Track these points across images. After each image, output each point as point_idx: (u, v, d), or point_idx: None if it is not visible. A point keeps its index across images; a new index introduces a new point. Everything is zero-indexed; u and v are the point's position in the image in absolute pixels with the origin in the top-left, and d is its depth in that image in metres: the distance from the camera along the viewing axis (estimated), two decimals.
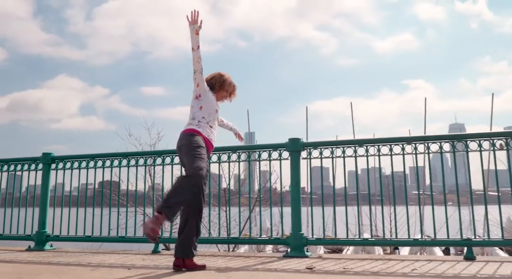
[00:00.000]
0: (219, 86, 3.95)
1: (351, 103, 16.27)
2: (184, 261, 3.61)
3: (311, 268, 3.66)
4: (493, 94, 15.13)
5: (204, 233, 5.17)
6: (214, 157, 4.95)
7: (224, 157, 4.97)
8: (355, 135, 15.29)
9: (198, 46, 3.70)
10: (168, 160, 5.13)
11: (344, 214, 4.57)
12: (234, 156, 4.95)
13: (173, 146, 3.98)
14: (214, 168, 5.65)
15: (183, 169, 3.88)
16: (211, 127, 3.83)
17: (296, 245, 4.40)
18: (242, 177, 6.14)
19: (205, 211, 5.43)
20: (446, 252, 12.78)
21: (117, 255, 4.81)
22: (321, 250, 9.98)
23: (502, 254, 11.81)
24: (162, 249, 5.25)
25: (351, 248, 11.59)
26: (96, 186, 5.49)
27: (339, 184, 4.80)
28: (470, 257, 3.99)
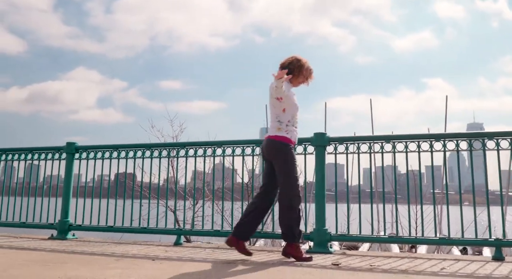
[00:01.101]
0: (298, 71, 3.92)
1: (370, 100, 16.00)
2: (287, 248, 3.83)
3: (337, 264, 3.61)
4: None
5: (225, 226, 5.16)
6: (238, 150, 4.92)
7: (242, 151, 4.93)
8: (374, 133, 15.11)
9: (281, 87, 3.63)
10: (191, 152, 5.11)
11: (368, 211, 4.51)
12: (248, 150, 4.91)
13: (194, 138, 4.03)
14: (237, 162, 5.62)
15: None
16: (295, 127, 3.91)
17: (320, 241, 4.35)
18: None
19: (228, 205, 5.46)
20: (464, 252, 12.58)
21: (139, 246, 4.82)
22: (335, 246, 9.87)
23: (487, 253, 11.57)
24: (184, 241, 5.25)
25: (366, 245, 11.47)
26: (116, 177, 5.52)
27: (362, 180, 4.69)
28: (499, 258, 3.89)
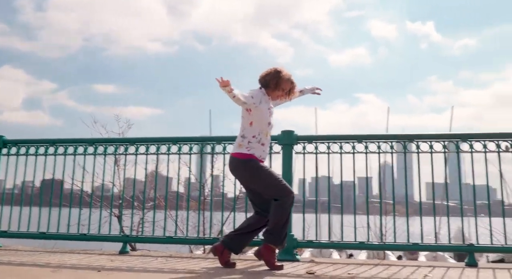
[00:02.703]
0: (275, 84, 3.53)
1: (315, 109, 16.19)
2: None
3: (312, 273, 3.25)
4: (452, 106, 15.58)
5: (178, 233, 4.63)
6: (196, 148, 4.44)
7: (201, 148, 4.47)
8: None
9: (234, 96, 3.27)
10: (142, 149, 4.56)
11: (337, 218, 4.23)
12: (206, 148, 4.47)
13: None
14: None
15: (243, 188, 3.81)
16: (262, 144, 3.48)
17: (286, 248, 3.97)
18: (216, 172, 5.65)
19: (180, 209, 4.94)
20: (399, 258, 12.89)
21: (78, 255, 4.18)
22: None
23: (452, 260, 12.06)
24: (130, 250, 4.66)
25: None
26: (52, 178, 4.81)
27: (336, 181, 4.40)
28: (472, 264, 3.73)
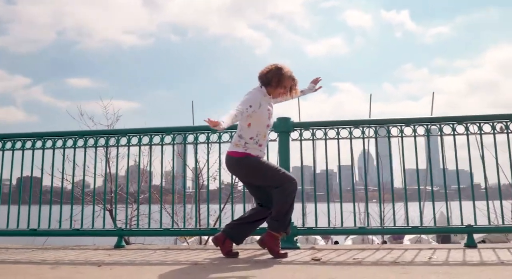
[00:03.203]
0: (277, 82, 3.45)
1: (298, 99, 16.05)
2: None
3: (318, 259, 3.23)
4: (433, 93, 15.72)
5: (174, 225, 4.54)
6: (190, 138, 4.34)
7: (195, 138, 4.37)
8: None
9: (231, 123, 3.19)
10: (134, 140, 4.43)
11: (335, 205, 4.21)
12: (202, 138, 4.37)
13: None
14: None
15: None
16: (260, 145, 3.43)
17: (286, 236, 3.93)
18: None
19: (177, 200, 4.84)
20: (384, 243, 13.11)
21: (73, 251, 4.05)
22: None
23: (435, 243, 12.34)
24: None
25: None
26: (41, 173, 4.64)
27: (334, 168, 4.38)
28: (471, 245, 3.77)
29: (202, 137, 4.32)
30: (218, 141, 4.30)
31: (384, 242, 13.75)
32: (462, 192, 4.00)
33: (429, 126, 4.03)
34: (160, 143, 4.38)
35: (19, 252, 4.06)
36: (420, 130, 4.04)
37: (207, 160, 4.37)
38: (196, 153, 4.32)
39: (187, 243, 9.02)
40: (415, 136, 4.02)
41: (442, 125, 4.04)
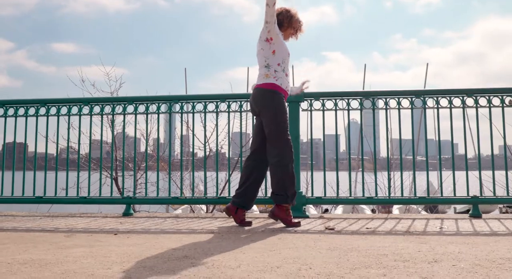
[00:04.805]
0: (288, 22, 3.52)
1: (292, 66, 15.94)
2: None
3: (332, 228, 3.28)
4: (427, 64, 15.76)
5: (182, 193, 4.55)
6: (200, 106, 4.29)
7: (204, 107, 4.32)
8: None
9: (274, 3, 3.23)
10: (141, 108, 4.37)
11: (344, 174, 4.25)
12: (211, 107, 4.33)
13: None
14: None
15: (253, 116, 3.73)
16: (286, 75, 3.42)
17: (295, 205, 3.97)
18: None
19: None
20: (373, 212, 13.35)
21: (82, 219, 4.05)
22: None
23: (424, 212, 12.63)
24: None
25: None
26: (46, 140, 4.57)
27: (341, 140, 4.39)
28: (476, 215, 3.87)
29: (210, 106, 4.29)
30: (227, 110, 4.28)
31: (373, 210, 14.02)
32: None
33: (452, 98, 4.04)
34: (168, 111, 4.34)
35: (28, 219, 4.04)
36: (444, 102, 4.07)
37: (216, 125, 4.34)
38: (205, 121, 4.26)
39: (181, 210, 9.11)
40: (438, 108, 4.06)
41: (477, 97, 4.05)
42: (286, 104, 3.53)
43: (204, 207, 7.42)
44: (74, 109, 4.44)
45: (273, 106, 3.34)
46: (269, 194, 3.69)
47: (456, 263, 2.05)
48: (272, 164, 3.35)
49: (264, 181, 3.75)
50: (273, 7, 3.26)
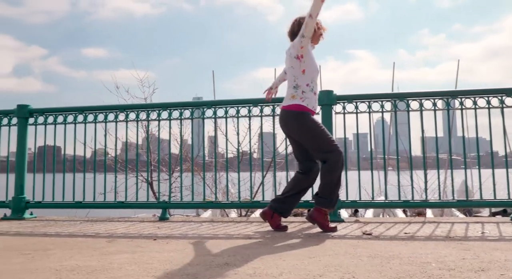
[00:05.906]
0: (317, 26, 3.39)
1: (319, 66, 15.81)
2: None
3: (370, 234, 3.25)
4: (459, 60, 15.40)
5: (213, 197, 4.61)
6: (228, 111, 4.33)
7: (237, 112, 4.36)
8: None
9: (317, 15, 3.19)
10: (176, 114, 4.44)
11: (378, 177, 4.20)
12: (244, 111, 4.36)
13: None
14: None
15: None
16: (315, 93, 3.39)
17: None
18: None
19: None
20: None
21: (120, 224, 4.15)
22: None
23: (461, 215, 12.28)
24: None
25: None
26: (84, 145, 4.70)
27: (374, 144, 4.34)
28: None
29: (243, 111, 4.32)
30: (259, 114, 4.30)
31: (404, 211, 13.74)
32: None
33: (489, 98, 3.95)
34: (201, 116, 4.39)
35: (69, 224, 4.16)
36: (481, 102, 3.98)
37: (249, 129, 4.37)
38: (238, 125, 4.30)
39: (210, 211, 9.21)
40: (475, 108, 3.97)
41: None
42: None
43: (235, 209, 7.51)
44: (111, 116, 4.55)
45: (300, 126, 3.33)
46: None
47: (505, 272, 2.00)
48: (323, 167, 3.33)
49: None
50: (315, 19, 3.19)
